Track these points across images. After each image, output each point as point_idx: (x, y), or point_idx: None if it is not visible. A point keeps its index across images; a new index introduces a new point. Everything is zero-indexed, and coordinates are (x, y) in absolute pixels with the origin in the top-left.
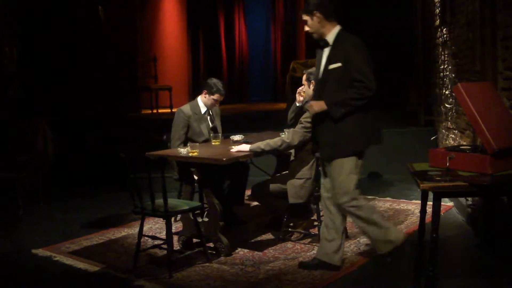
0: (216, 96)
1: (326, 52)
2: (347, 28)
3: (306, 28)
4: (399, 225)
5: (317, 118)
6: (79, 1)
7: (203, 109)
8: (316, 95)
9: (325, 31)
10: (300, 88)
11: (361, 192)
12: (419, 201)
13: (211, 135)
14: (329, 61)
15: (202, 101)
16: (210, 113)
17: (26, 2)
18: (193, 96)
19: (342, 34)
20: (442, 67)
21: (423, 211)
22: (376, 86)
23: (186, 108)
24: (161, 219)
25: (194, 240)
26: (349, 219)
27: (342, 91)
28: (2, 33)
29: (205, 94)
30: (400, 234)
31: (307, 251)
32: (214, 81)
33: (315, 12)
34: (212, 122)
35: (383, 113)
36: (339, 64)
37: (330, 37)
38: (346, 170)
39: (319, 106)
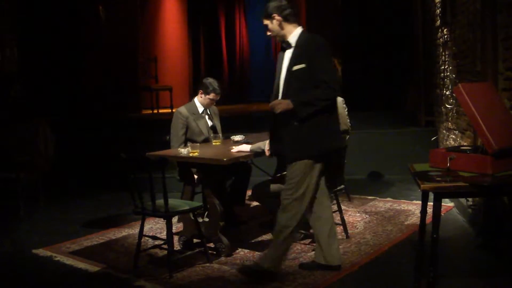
0: (212, 96)
1: (288, 53)
2: (347, 28)
3: (268, 33)
4: (399, 225)
5: (279, 119)
6: (79, 1)
7: (201, 109)
8: (281, 97)
9: (286, 33)
10: None
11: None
12: (420, 202)
13: (211, 135)
14: (293, 62)
15: (199, 101)
16: (208, 112)
17: (26, 3)
18: (194, 96)
19: (304, 35)
20: (443, 67)
21: (423, 211)
22: (339, 88)
23: (183, 109)
24: (162, 219)
25: (195, 240)
26: (349, 220)
27: (306, 92)
28: (2, 34)
29: (201, 94)
30: (279, 264)
31: (307, 251)
32: (209, 80)
33: (274, 15)
34: (211, 121)
35: (384, 113)
36: (303, 65)
37: (292, 38)
38: (301, 172)
39: (285, 104)
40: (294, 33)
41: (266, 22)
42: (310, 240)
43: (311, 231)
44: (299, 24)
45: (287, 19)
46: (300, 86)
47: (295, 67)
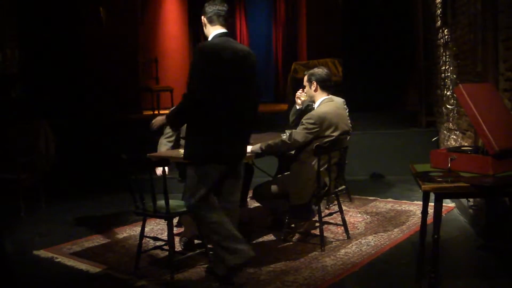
0: None
1: None
2: (347, 29)
3: None
4: (400, 226)
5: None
6: (80, 2)
7: None
8: None
9: (208, 34)
10: (298, 92)
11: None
12: (421, 202)
13: None
14: None
15: None
16: None
17: (27, 3)
18: None
19: (211, 39)
20: (444, 68)
21: (424, 212)
22: (201, 98)
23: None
24: (163, 220)
25: (196, 241)
26: (350, 220)
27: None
28: (3, 35)
29: None
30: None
31: (308, 252)
32: None
33: (201, 16)
34: None
35: (385, 114)
36: None
37: None
38: (191, 174)
39: (160, 120)
40: (210, 36)
41: None
42: (311, 240)
43: (312, 231)
44: (224, 26)
45: (210, 20)
46: None
47: None
